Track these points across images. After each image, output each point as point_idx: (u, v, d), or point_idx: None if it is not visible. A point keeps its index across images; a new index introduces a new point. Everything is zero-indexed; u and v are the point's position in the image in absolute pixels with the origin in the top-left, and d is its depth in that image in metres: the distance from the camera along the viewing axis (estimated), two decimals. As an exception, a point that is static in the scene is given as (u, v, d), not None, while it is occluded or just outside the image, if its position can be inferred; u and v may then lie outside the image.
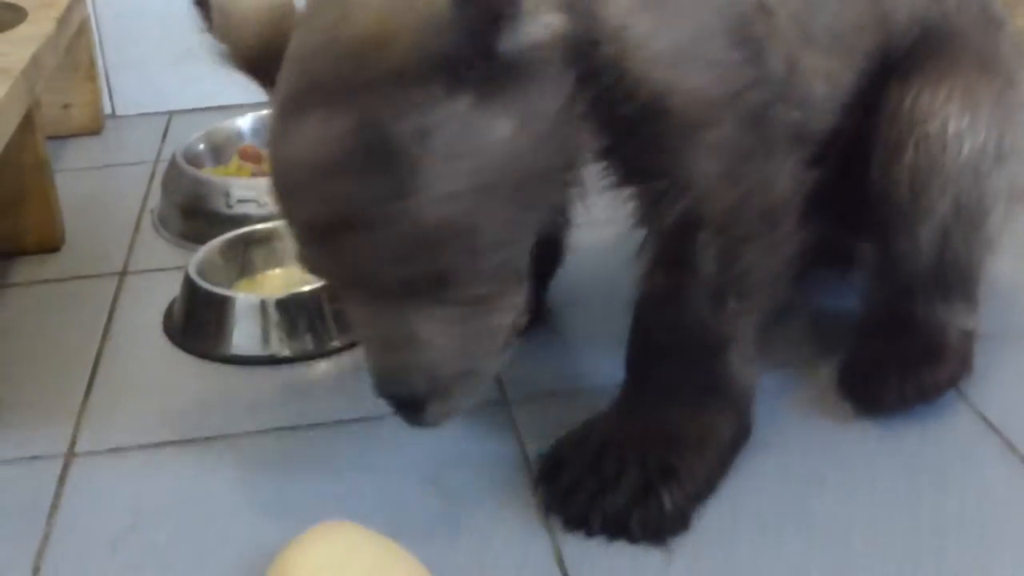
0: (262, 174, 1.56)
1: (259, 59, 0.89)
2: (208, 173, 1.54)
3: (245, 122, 1.65)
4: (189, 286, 1.25)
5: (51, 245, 1.46)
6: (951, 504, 0.96)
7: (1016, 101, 1.06)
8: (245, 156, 1.60)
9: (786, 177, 0.95)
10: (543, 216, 0.89)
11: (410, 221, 0.79)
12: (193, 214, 1.48)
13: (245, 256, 1.34)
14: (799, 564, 0.90)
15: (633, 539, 0.92)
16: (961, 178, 1.02)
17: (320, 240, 0.83)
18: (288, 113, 0.82)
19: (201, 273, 1.26)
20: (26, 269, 1.42)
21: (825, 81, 0.99)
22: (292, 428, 1.09)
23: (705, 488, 0.96)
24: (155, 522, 0.98)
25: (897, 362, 1.07)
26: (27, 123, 1.38)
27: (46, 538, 0.96)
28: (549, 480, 0.97)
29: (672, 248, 0.95)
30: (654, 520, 0.92)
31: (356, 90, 0.78)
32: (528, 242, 0.88)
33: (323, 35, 0.82)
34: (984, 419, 1.06)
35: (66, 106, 1.85)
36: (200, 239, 1.37)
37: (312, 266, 0.87)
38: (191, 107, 1.95)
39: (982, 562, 0.90)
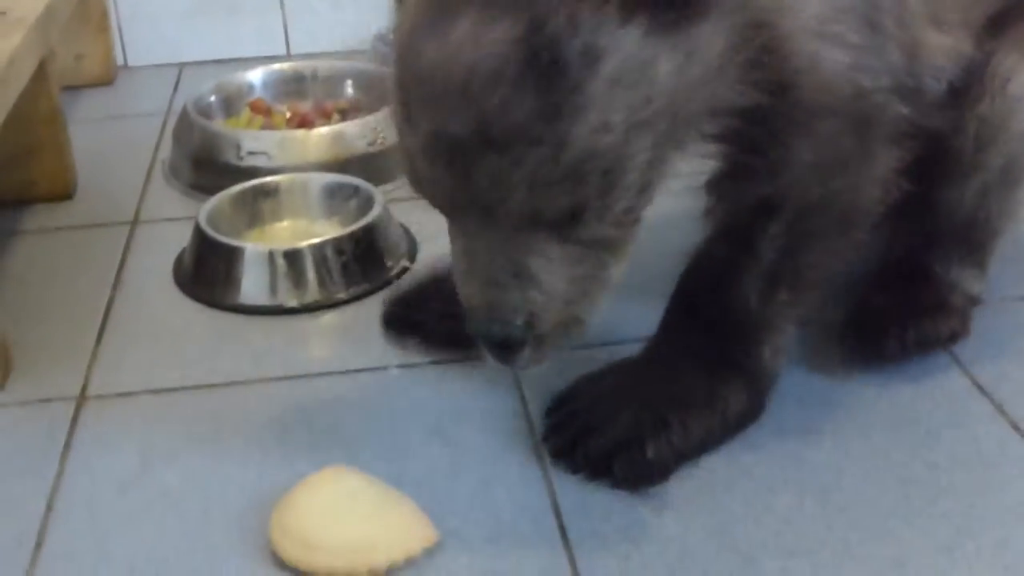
0: (271, 127, 1.58)
1: None
2: (219, 125, 1.56)
3: (256, 75, 1.67)
4: (199, 236, 1.28)
5: (63, 194, 1.49)
6: (940, 460, 0.98)
7: None
8: (256, 109, 1.61)
9: (876, 185, 0.95)
10: (677, 162, 0.86)
11: (561, 146, 0.75)
12: (204, 165, 1.50)
13: (254, 207, 1.36)
14: (790, 515, 0.92)
15: (614, 482, 0.94)
16: (1020, 141, 1.05)
17: (451, 155, 0.78)
18: (437, 12, 0.77)
19: (211, 223, 1.28)
20: (39, 217, 1.45)
21: (948, 59, 0.99)
22: (298, 376, 1.12)
23: (694, 448, 0.97)
24: (164, 464, 1.00)
25: (902, 312, 1.09)
26: (41, 73, 1.40)
27: (59, 477, 0.99)
28: (552, 413, 1.00)
29: (740, 226, 0.95)
30: (635, 466, 0.93)
31: None
32: (657, 189, 0.84)
33: None
34: (975, 381, 1.08)
35: (79, 57, 1.86)
36: (210, 190, 1.39)
37: (427, 186, 0.82)
38: (202, 59, 1.96)
39: (968, 515, 0.92)
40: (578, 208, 0.79)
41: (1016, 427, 1.02)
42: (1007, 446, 1.00)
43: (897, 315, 1.09)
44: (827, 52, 0.87)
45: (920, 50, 0.95)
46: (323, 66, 1.70)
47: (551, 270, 0.81)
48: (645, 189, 0.82)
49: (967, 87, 1.04)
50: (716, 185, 0.96)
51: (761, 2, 0.84)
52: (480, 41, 0.74)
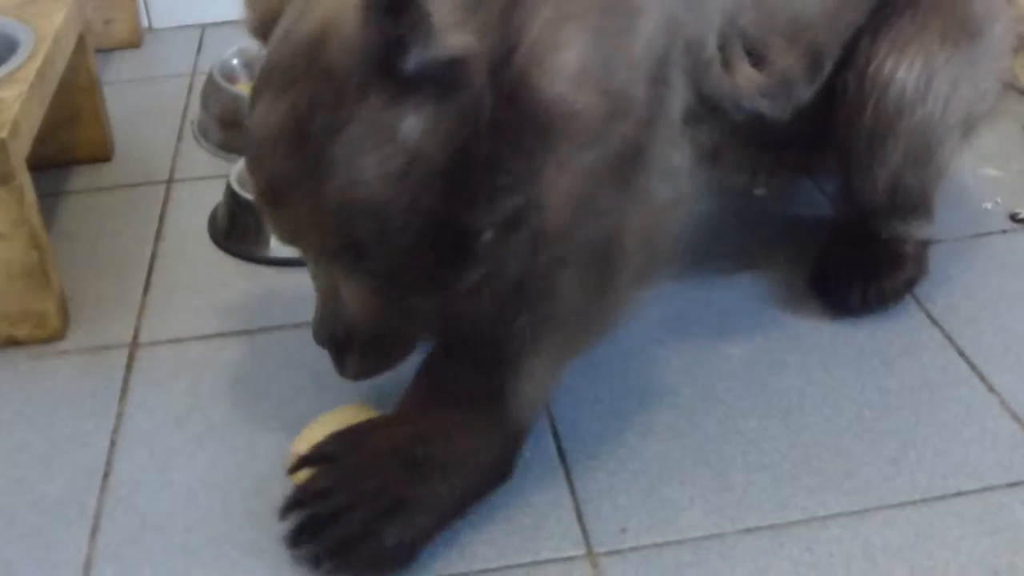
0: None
1: (262, 30, 0.97)
2: (243, 88, 1.68)
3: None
4: (230, 195, 1.41)
5: (103, 156, 1.62)
6: (892, 385, 1.12)
7: (979, 53, 1.15)
8: (276, 71, 1.73)
9: (643, 227, 0.95)
10: (454, 207, 0.90)
11: (321, 199, 0.89)
12: (231, 126, 1.62)
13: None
14: (756, 435, 1.06)
15: (354, 571, 0.93)
16: (913, 135, 1.13)
17: (267, 205, 0.94)
18: (255, 91, 0.93)
19: (242, 182, 1.40)
20: (81, 179, 1.58)
21: (754, 88, 1.05)
22: (326, 321, 1.25)
23: (438, 521, 0.96)
24: (212, 403, 1.15)
25: (860, 269, 1.21)
26: (80, 46, 1.52)
27: (120, 416, 1.13)
28: (313, 469, 0.98)
29: (494, 246, 0.93)
30: (375, 555, 0.93)
31: (293, 81, 0.88)
32: (444, 227, 0.91)
33: (288, 25, 0.91)
34: (928, 314, 1.21)
35: (108, 21, 1.98)
36: (239, 149, 1.51)
37: (271, 225, 0.96)
38: (223, 19, 2.07)
39: (912, 431, 1.06)
40: (359, 245, 0.91)
41: (961, 353, 1.15)
42: (950, 371, 1.14)
43: (857, 271, 1.21)
44: (583, 94, 0.90)
45: (727, 82, 1.03)
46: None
47: (354, 293, 0.96)
48: (425, 226, 0.90)
49: (844, 92, 1.13)
50: (479, 213, 0.94)
51: (513, 59, 0.89)
52: (268, 117, 0.90)
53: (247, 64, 1.75)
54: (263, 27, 0.97)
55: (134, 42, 2.02)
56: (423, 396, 1.01)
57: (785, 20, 1.06)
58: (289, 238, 0.96)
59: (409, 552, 0.95)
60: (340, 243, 0.92)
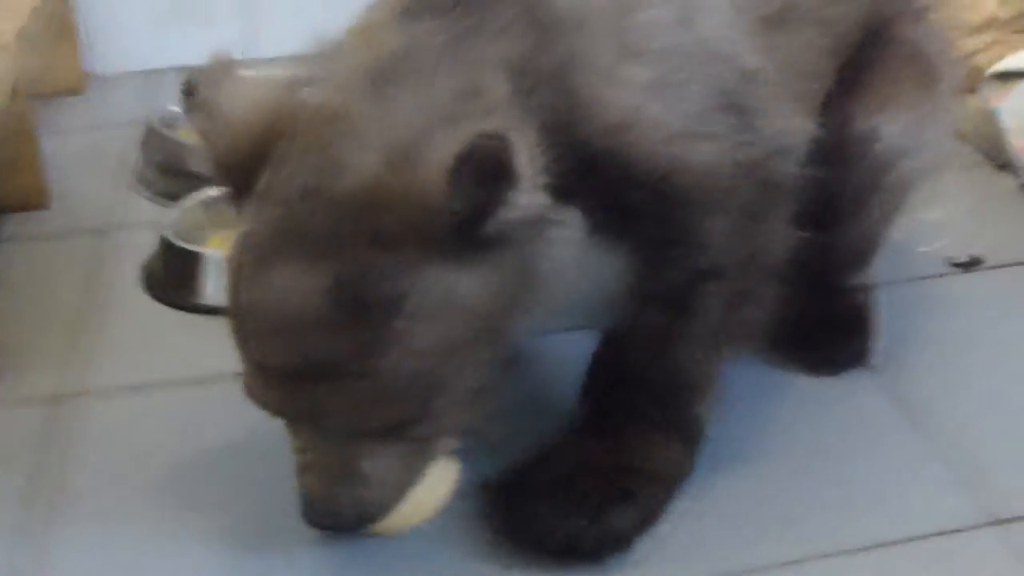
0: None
1: (240, 169, 0.87)
2: (183, 135, 1.66)
3: (217, 85, 1.77)
4: (164, 243, 1.39)
5: (39, 204, 1.59)
6: (831, 431, 1.12)
7: (942, 97, 1.15)
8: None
9: (788, 232, 0.99)
10: (502, 355, 0.90)
11: (375, 378, 0.81)
12: (171, 173, 1.61)
13: (217, 213, 1.46)
14: (695, 484, 1.04)
15: (579, 556, 0.95)
16: (896, 188, 1.14)
17: (278, 383, 0.85)
18: (264, 256, 0.83)
19: (177, 231, 1.39)
20: (15, 227, 1.55)
21: (799, 127, 1.02)
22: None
23: (651, 517, 0.99)
24: (153, 455, 1.11)
25: (839, 329, 1.21)
26: (16, 92, 1.50)
27: (46, 471, 1.10)
28: (511, 512, 0.99)
29: (674, 295, 0.97)
30: (600, 538, 0.95)
31: (337, 248, 0.80)
32: (482, 381, 0.88)
33: (311, 179, 0.82)
34: (866, 358, 1.22)
35: (50, 68, 1.95)
36: (179, 197, 1.50)
37: (260, 400, 0.88)
38: (171, 65, 2.05)
39: (854, 480, 1.06)
40: (400, 423, 0.85)
41: (897, 399, 1.15)
42: (886, 417, 1.14)
43: (836, 331, 1.21)
44: (695, 154, 0.91)
45: (787, 120, 0.99)
46: (284, 74, 1.80)
47: (381, 467, 0.88)
48: (474, 397, 0.88)
49: (836, 148, 1.09)
50: (642, 271, 0.98)
51: (593, 143, 0.88)
52: (300, 289, 0.80)
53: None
54: (234, 171, 0.88)
55: (78, 88, 1.99)
56: (598, 423, 1.02)
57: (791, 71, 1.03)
58: (304, 418, 0.87)
59: (628, 542, 0.97)
60: (380, 423, 0.85)
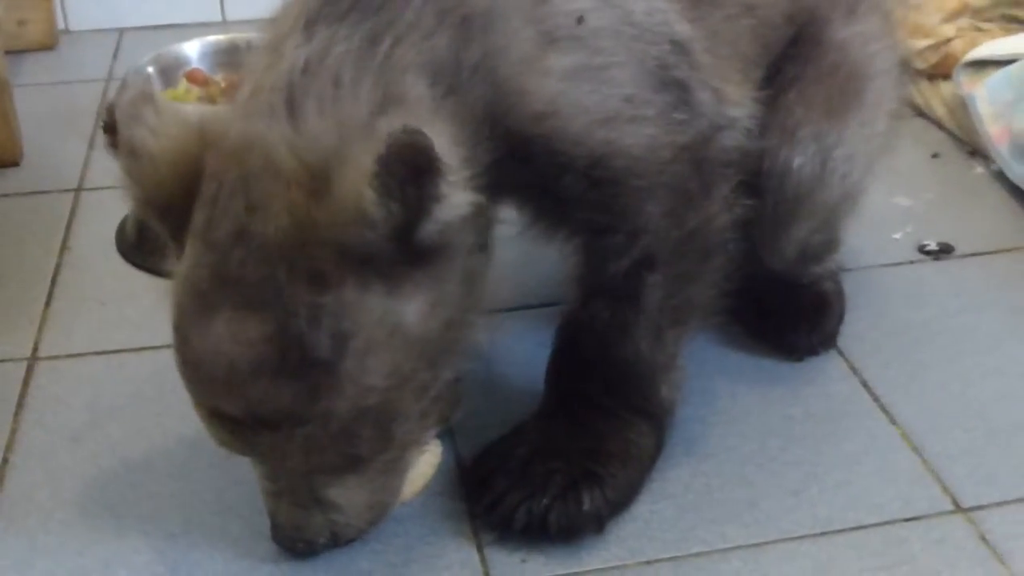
0: (208, 97, 1.67)
1: (170, 208, 0.85)
2: (161, 95, 1.65)
3: (192, 47, 1.75)
4: (140, 206, 1.38)
5: (11, 160, 1.58)
6: (796, 414, 1.13)
7: (867, 111, 1.12)
8: (193, 79, 1.70)
9: (723, 210, 0.98)
10: (457, 365, 0.90)
11: (329, 421, 0.81)
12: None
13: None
14: (660, 464, 1.05)
15: (549, 536, 0.96)
16: (815, 215, 1.12)
17: (235, 430, 0.84)
18: (199, 306, 0.81)
19: (151, 194, 1.38)
20: (-13, 183, 1.54)
21: (737, 102, 1.00)
22: (232, 338, 1.23)
23: (623, 498, 1.00)
24: (112, 419, 1.12)
25: (800, 315, 1.21)
26: (-11, 47, 1.49)
27: (14, 432, 1.10)
28: (479, 493, 1.00)
29: (616, 286, 0.97)
30: (571, 518, 0.96)
31: (275, 294, 0.78)
32: (440, 391, 0.88)
33: (233, 224, 0.79)
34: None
35: (22, 22, 1.94)
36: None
37: (219, 441, 0.87)
38: (141, 24, 2.04)
39: (815, 461, 1.07)
40: (357, 454, 0.85)
41: (865, 384, 1.17)
42: (854, 402, 1.15)
43: (797, 317, 1.21)
44: (627, 138, 0.91)
45: (723, 93, 0.98)
46: (257, 37, 1.79)
47: (349, 494, 0.88)
48: (424, 414, 0.87)
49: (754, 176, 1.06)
50: (583, 259, 0.98)
51: (523, 130, 0.87)
52: (238, 339, 0.79)
53: (162, 71, 1.72)
54: (164, 210, 0.85)
55: (49, 44, 1.98)
56: (562, 409, 1.03)
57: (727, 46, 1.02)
58: (264, 459, 0.87)
59: (600, 521, 0.98)
60: (342, 456, 0.85)
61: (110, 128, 0.86)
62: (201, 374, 0.83)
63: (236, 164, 0.81)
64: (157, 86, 1.69)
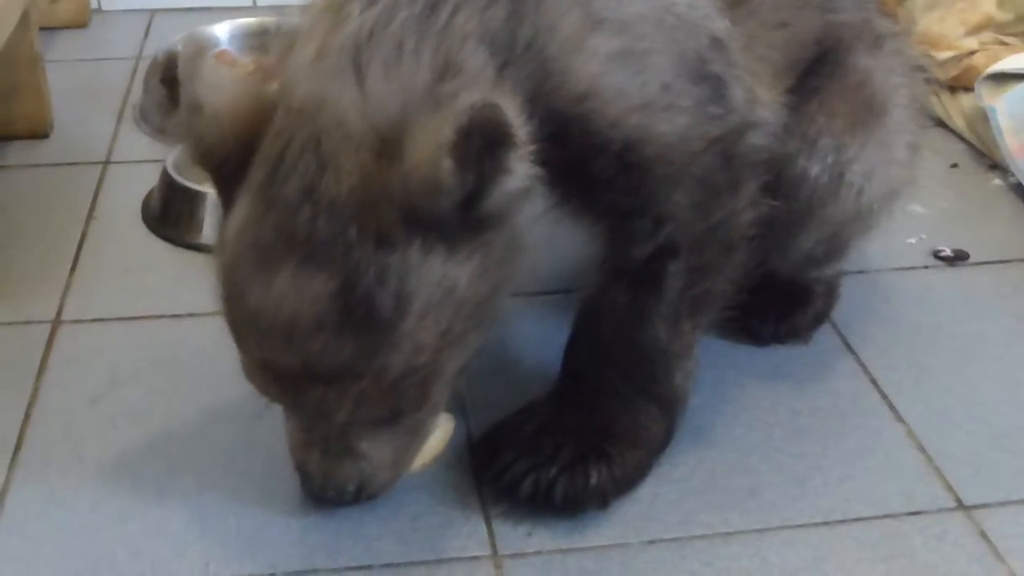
0: (237, 79, 1.69)
1: (228, 162, 0.86)
2: (188, 75, 1.67)
3: (222, 29, 1.78)
4: (166, 180, 1.40)
5: (41, 132, 1.61)
6: (803, 408, 1.14)
7: (889, 131, 1.14)
8: (222, 60, 1.73)
9: (748, 206, 0.99)
10: (490, 332, 0.91)
11: (380, 376, 0.83)
12: (172, 112, 1.62)
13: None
14: (668, 449, 1.06)
15: (554, 506, 0.98)
16: (825, 227, 1.13)
17: (281, 380, 0.86)
18: (259, 261, 0.82)
19: (178, 168, 1.40)
20: (18, 153, 1.57)
21: (767, 104, 1.01)
22: (251, 311, 1.25)
23: (630, 479, 1.02)
24: (131, 383, 1.14)
25: (775, 305, 1.22)
26: (24, 20, 1.51)
27: (36, 391, 1.13)
28: (488, 463, 1.02)
29: (638, 271, 0.99)
30: (577, 491, 0.98)
31: (343, 252, 0.79)
32: (470, 357, 0.91)
33: (302, 181, 0.81)
34: (845, 342, 1.24)
35: (55, 0, 1.96)
36: (178, 135, 1.50)
37: (261, 390, 0.89)
38: (172, 6, 2.07)
39: (819, 454, 1.08)
40: (400, 412, 0.89)
41: (873, 382, 1.18)
42: (861, 398, 1.16)
43: (771, 306, 1.22)
44: (661, 125, 0.92)
45: (755, 94, 0.98)
46: (286, 21, 1.81)
47: (378, 447, 0.92)
48: (455, 377, 0.90)
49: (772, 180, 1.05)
50: (607, 242, 1.00)
51: (567, 111, 0.88)
52: (300, 293, 0.80)
53: (193, 52, 1.75)
54: (222, 164, 0.86)
55: (81, 22, 2.01)
56: (576, 389, 1.05)
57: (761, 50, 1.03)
58: (307, 411, 0.89)
59: (605, 498, 1.00)
60: (384, 412, 0.88)
61: (170, 81, 0.86)
62: (259, 328, 0.83)
63: (307, 123, 0.82)
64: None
